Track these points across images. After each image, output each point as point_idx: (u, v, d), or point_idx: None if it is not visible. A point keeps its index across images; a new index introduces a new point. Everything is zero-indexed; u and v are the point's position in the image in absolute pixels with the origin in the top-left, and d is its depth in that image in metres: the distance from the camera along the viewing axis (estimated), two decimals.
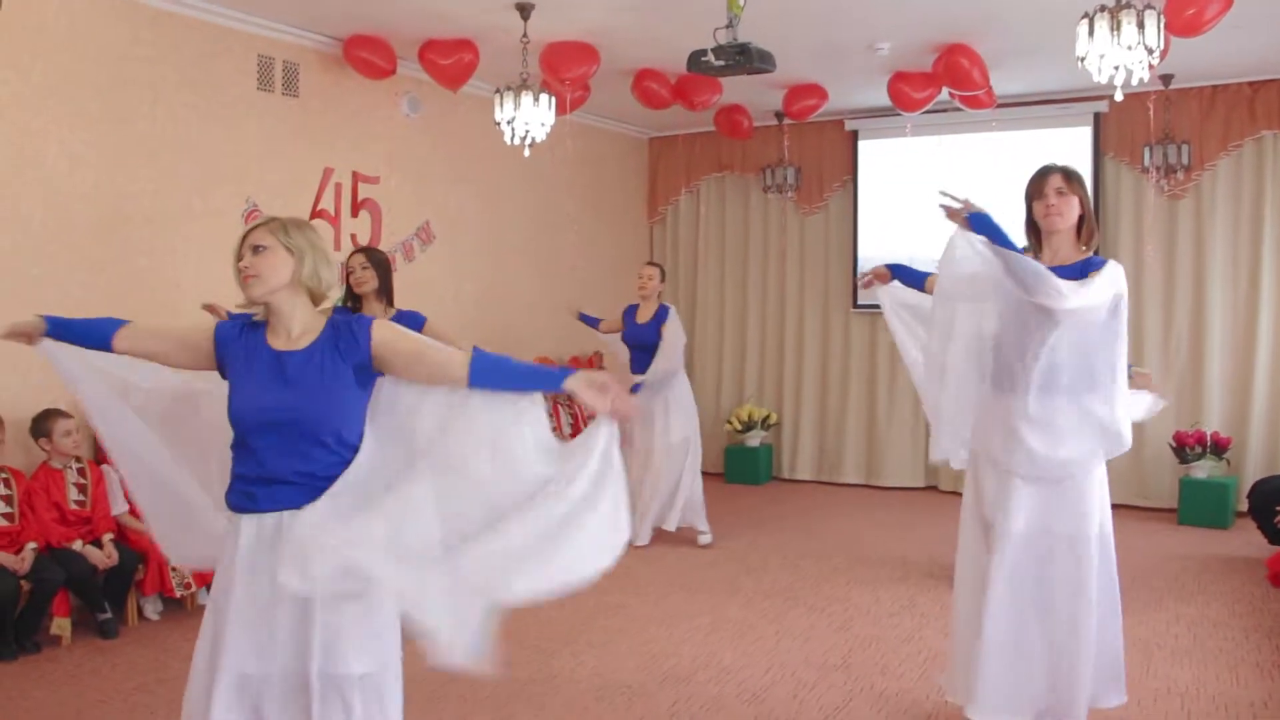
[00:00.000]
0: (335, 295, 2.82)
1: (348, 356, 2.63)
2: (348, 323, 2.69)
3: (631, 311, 7.29)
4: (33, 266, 5.42)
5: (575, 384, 2.57)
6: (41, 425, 5.30)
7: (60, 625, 5.14)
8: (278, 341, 2.70)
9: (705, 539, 7.21)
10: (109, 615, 5.29)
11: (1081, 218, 3.67)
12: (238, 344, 2.72)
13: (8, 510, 5.10)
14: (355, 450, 2.65)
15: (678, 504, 7.14)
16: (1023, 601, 3.70)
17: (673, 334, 7.12)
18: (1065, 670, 3.67)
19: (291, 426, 2.59)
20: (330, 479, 2.60)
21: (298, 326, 2.70)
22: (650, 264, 7.46)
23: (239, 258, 2.69)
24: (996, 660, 3.69)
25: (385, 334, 2.67)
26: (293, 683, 2.57)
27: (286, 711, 2.58)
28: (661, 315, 7.17)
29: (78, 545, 5.24)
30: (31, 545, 5.09)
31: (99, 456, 5.64)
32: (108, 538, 5.36)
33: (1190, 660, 4.91)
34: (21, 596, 4.97)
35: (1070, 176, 3.67)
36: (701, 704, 4.45)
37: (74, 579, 5.14)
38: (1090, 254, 3.70)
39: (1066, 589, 3.66)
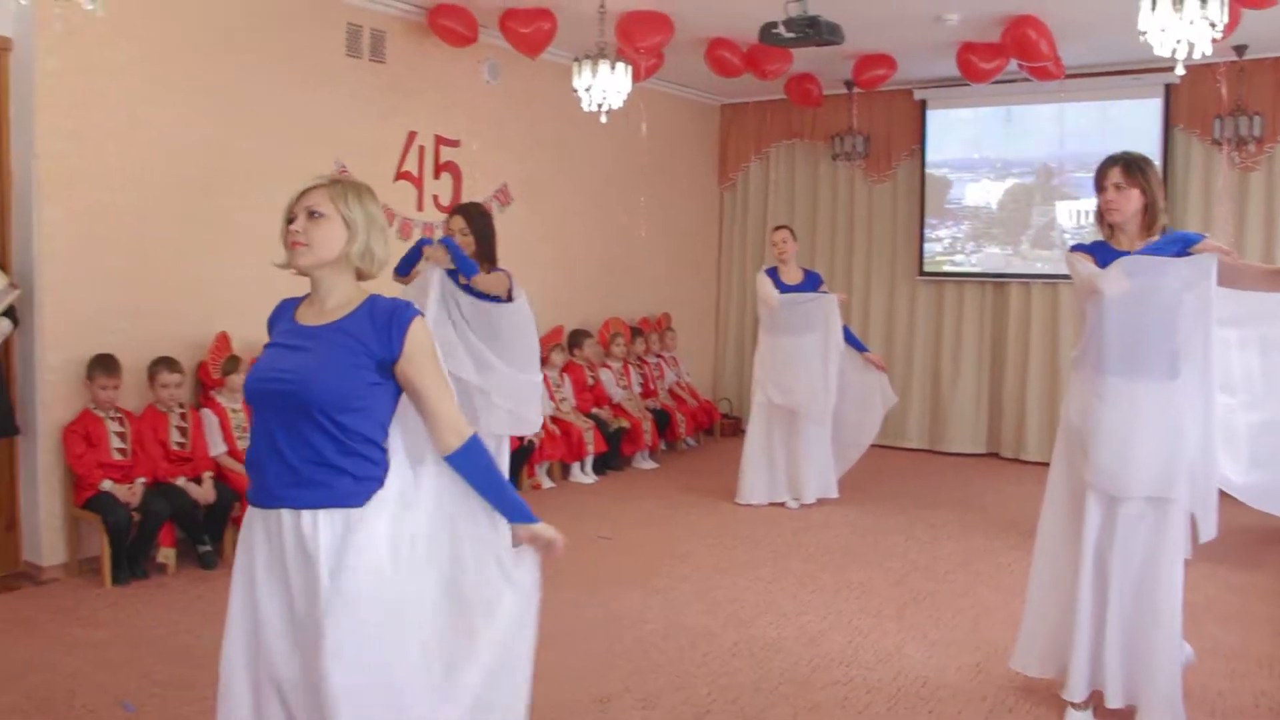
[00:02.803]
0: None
1: (376, 345, 2.44)
2: (390, 310, 2.47)
3: (773, 274, 7.34)
4: (144, 222, 5.78)
5: (526, 530, 2.58)
6: (153, 372, 5.70)
7: (166, 555, 5.56)
8: (308, 315, 2.54)
9: (793, 504, 7.39)
10: (209, 548, 5.69)
11: (1146, 207, 3.71)
12: (281, 319, 2.60)
13: (122, 447, 5.50)
14: (372, 446, 2.46)
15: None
16: (1122, 576, 3.74)
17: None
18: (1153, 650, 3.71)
19: (289, 399, 2.40)
20: (329, 471, 2.40)
21: (333, 301, 2.52)
22: (781, 228, 7.48)
23: (290, 217, 2.49)
24: (1091, 637, 3.78)
25: (421, 341, 2.47)
26: (314, 690, 2.41)
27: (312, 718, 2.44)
28: (816, 280, 7.38)
29: (181, 481, 5.63)
30: (141, 480, 5.49)
31: (199, 402, 6.03)
32: (208, 475, 5.74)
33: (1238, 624, 5.06)
34: (133, 527, 5.37)
35: (1130, 168, 3.70)
36: (762, 645, 4.72)
37: (178, 512, 5.54)
38: (1157, 234, 3.75)
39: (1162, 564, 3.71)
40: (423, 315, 2.52)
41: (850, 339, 7.46)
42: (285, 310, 2.61)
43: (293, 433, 2.41)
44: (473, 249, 5.20)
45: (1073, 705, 3.86)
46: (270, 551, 2.45)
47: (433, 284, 5.18)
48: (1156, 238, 3.73)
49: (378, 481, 2.46)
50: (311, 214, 2.47)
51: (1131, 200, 3.70)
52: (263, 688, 2.49)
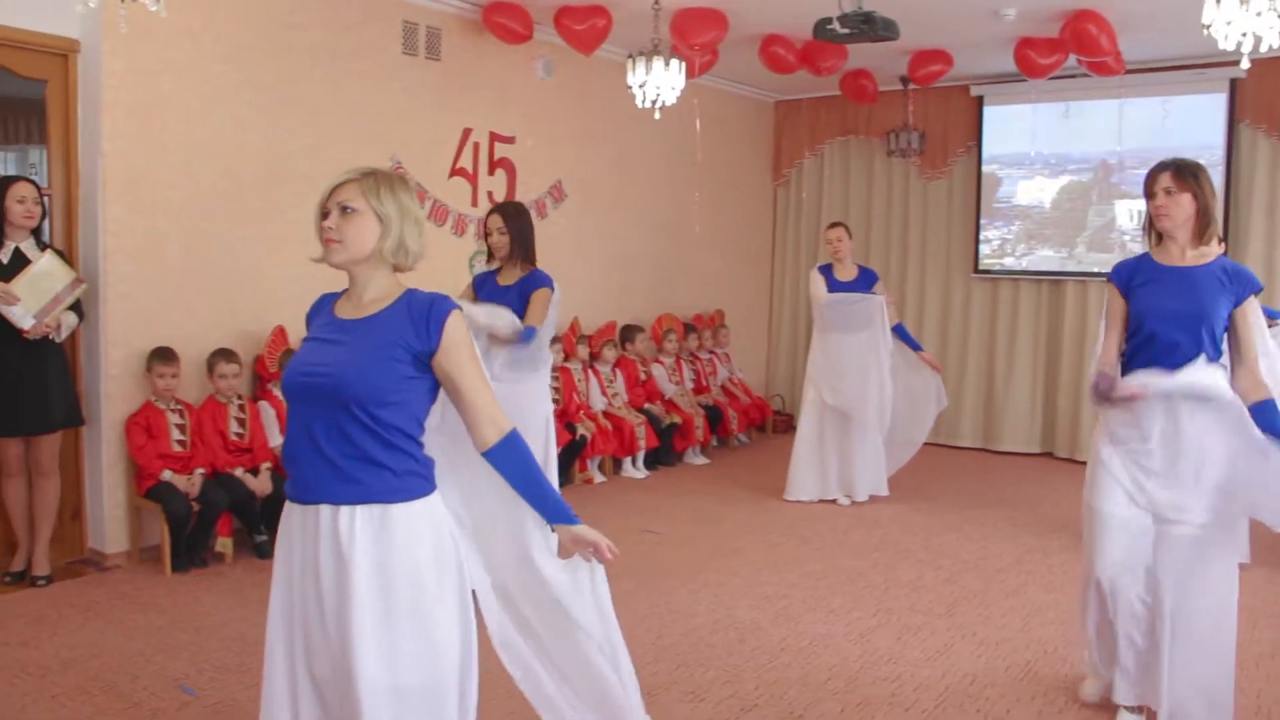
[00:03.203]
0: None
1: (413, 338, 2.42)
2: (427, 304, 2.45)
3: (828, 271, 7.33)
4: (202, 220, 5.90)
5: (565, 532, 2.53)
6: (211, 363, 5.82)
7: (224, 544, 5.68)
8: (345, 309, 2.53)
9: (845, 501, 7.38)
10: (265, 537, 5.79)
11: (1198, 213, 3.61)
12: (319, 314, 2.61)
13: (182, 438, 5.63)
14: (410, 441, 2.44)
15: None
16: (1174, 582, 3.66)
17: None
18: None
19: (326, 392, 2.39)
20: (365, 466, 2.39)
21: (370, 295, 2.51)
22: (835, 225, 7.43)
23: (323, 213, 2.48)
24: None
25: (458, 335, 2.44)
26: (345, 688, 2.40)
27: (346, 716, 2.43)
28: (871, 277, 7.34)
29: (239, 472, 5.74)
30: (200, 470, 5.61)
31: (257, 395, 6.15)
32: (265, 467, 5.86)
33: None
34: (192, 516, 5.50)
35: (1182, 173, 3.61)
36: (810, 640, 4.73)
37: (236, 502, 5.65)
38: (1214, 253, 3.70)
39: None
40: (460, 308, 2.49)
41: (904, 337, 7.41)
42: (324, 305, 2.60)
43: (330, 426, 2.39)
44: (508, 249, 5.07)
45: (1125, 708, 3.83)
46: (305, 546, 2.45)
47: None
48: (1210, 251, 3.68)
49: (420, 478, 2.46)
50: (344, 209, 2.45)
51: (1183, 206, 3.61)
52: (299, 680, 2.50)
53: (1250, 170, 8.46)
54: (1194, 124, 8.50)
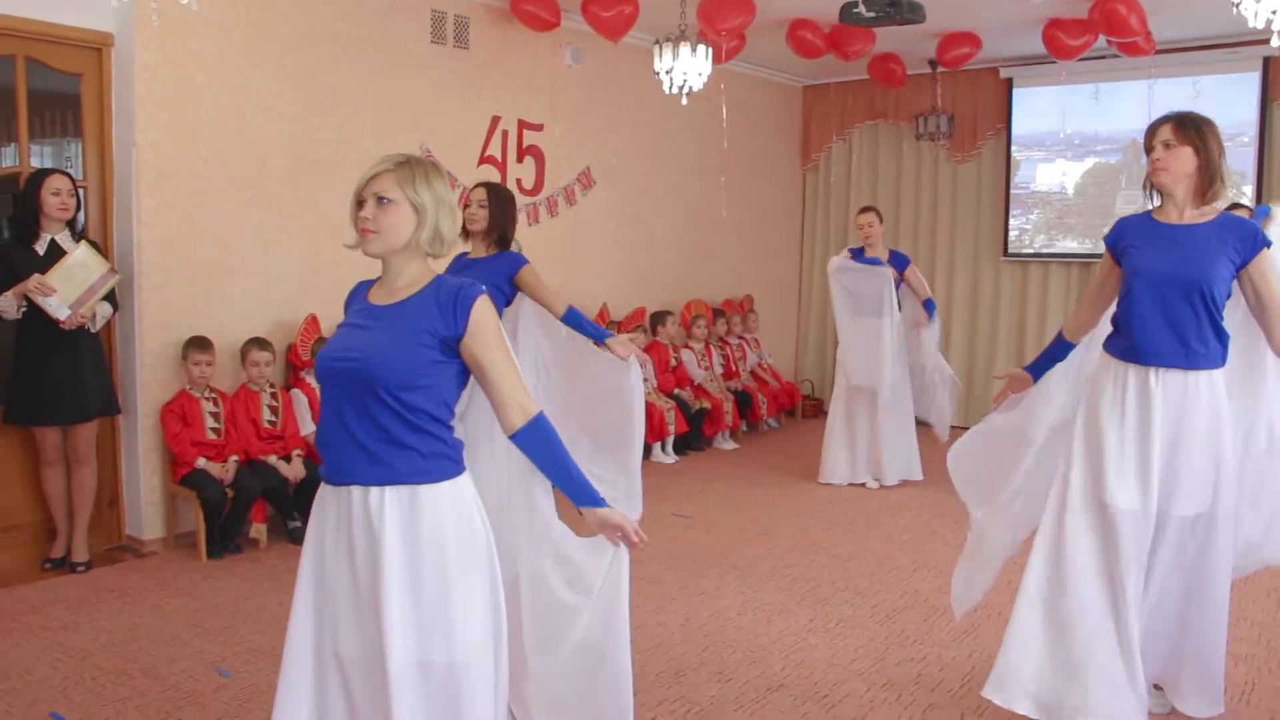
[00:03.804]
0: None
1: (440, 323, 2.45)
2: (455, 290, 2.48)
3: (858, 253, 7.37)
4: (232, 208, 5.98)
5: (593, 515, 2.55)
6: (244, 351, 5.90)
7: (258, 530, 5.77)
8: (379, 295, 2.57)
9: (873, 485, 7.41)
10: (298, 523, 5.87)
11: (1200, 169, 3.33)
12: (355, 300, 2.64)
13: (216, 426, 5.71)
14: (439, 424, 2.47)
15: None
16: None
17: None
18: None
19: (355, 375, 2.42)
20: (394, 449, 2.42)
21: (402, 281, 2.54)
22: (867, 209, 7.42)
23: (359, 203, 2.50)
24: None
25: (485, 319, 2.47)
26: (374, 667, 2.44)
27: (373, 696, 2.47)
28: (901, 261, 7.39)
29: (272, 459, 5.83)
30: (234, 457, 5.69)
31: (289, 383, 6.23)
32: (297, 454, 5.93)
33: None
34: (226, 503, 5.58)
35: (1184, 125, 3.35)
36: (837, 621, 4.76)
37: (269, 489, 5.74)
38: (1213, 211, 3.40)
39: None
40: (486, 293, 2.51)
41: (928, 308, 7.45)
42: (359, 291, 2.64)
43: (360, 410, 2.43)
44: (485, 224, 4.77)
45: (1154, 684, 3.80)
46: (339, 527, 2.49)
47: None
48: (1210, 212, 3.39)
49: (449, 460, 2.48)
50: (380, 200, 2.46)
51: (1182, 160, 3.33)
52: (325, 661, 2.54)
53: None
54: (1226, 104, 8.40)
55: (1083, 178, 9.22)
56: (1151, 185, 3.48)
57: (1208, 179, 3.34)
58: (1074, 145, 9.22)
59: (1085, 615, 3.42)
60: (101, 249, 5.40)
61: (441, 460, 2.48)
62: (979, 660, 4.31)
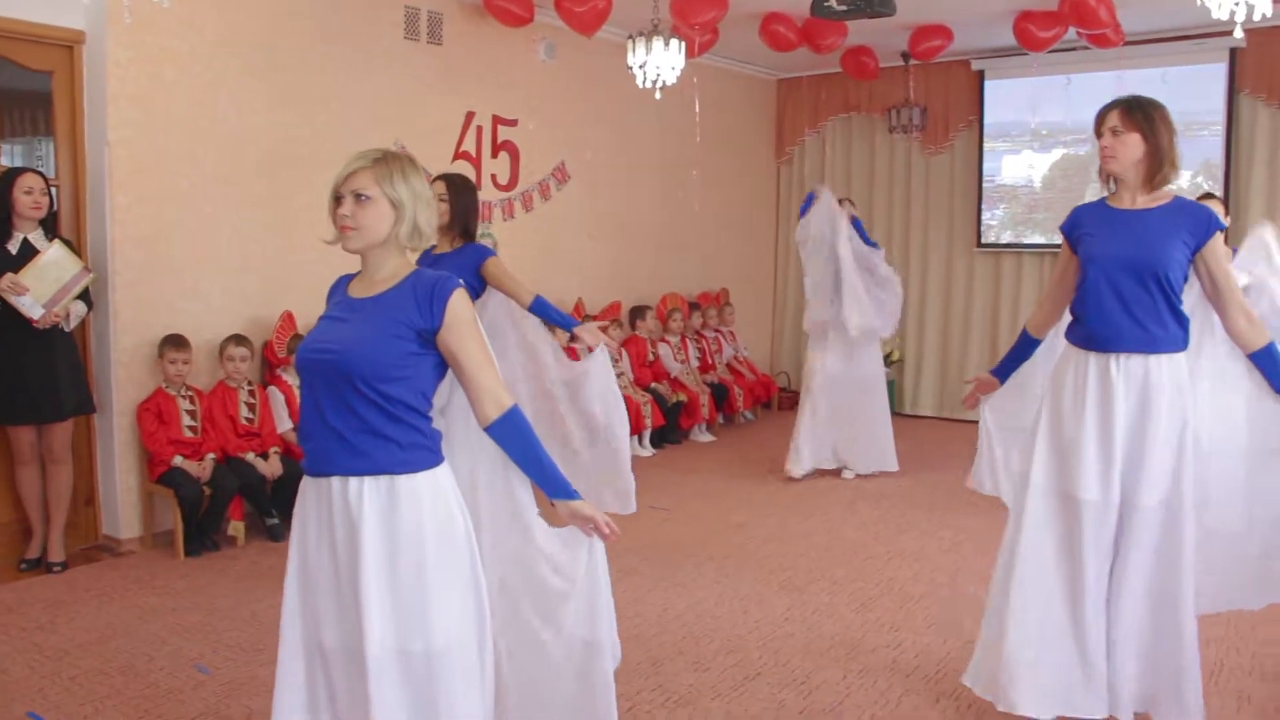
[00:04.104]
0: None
1: (417, 316, 2.48)
2: (431, 283, 2.51)
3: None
4: (206, 205, 5.97)
5: (565, 507, 2.61)
6: (222, 347, 5.90)
7: (235, 528, 5.76)
8: (358, 289, 2.60)
9: (848, 474, 7.43)
10: (276, 520, 5.88)
11: (1147, 155, 3.31)
12: (335, 293, 2.68)
13: (193, 424, 5.70)
14: (416, 415, 2.50)
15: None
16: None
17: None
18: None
19: (334, 368, 2.46)
20: (372, 439, 2.45)
21: (381, 275, 2.57)
22: (840, 201, 7.43)
23: (337, 199, 2.53)
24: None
25: (461, 312, 2.51)
26: (355, 656, 2.47)
27: (352, 685, 2.51)
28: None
29: (250, 457, 5.82)
30: (211, 455, 5.69)
31: (266, 380, 6.22)
32: (274, 451, 5.93)
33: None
34: (203, 501, 5.58)
35: (1130, 111, 3.31)
36: (813, 610, 4.80)
37: (247, 486, 5.73)
38: (1166, 195, 3.38)
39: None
40: (463, 286, 2.54)
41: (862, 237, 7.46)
42: (340, 285, 2.68)
43: (338, 402, 2.46)
44: (447, 218, 4.65)
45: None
46: (320, 517, 2.52)
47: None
48: (1163, 197, 3.37)
49: (427, 450, 2.51)
50: (359, 197, 2.50)
51: (1129, 146, 3.30)
52: (312, 653, 2.57)
53: (1250, 139, 8.47)
54: (1194, 94, 8.51)
55: (1051, 169, 9.30)
56: (1104, 173, 3.45)
57: (1156, 164, 3.32)
58: (1043, 137, 9.30)
59: (1044, 605, 3.44)
60: (75, 247, 5.38)
61: (420, 451, 2.50)
62: (954, 647, 4.36)
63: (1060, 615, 3.44)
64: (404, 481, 2.47)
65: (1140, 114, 3.31)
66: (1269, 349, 3.32)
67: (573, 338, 4.61)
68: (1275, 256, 4.24)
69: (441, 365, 2.56)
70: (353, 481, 2.47)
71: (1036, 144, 9.35)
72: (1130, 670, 3.42)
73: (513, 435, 2.58)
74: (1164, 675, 3.38)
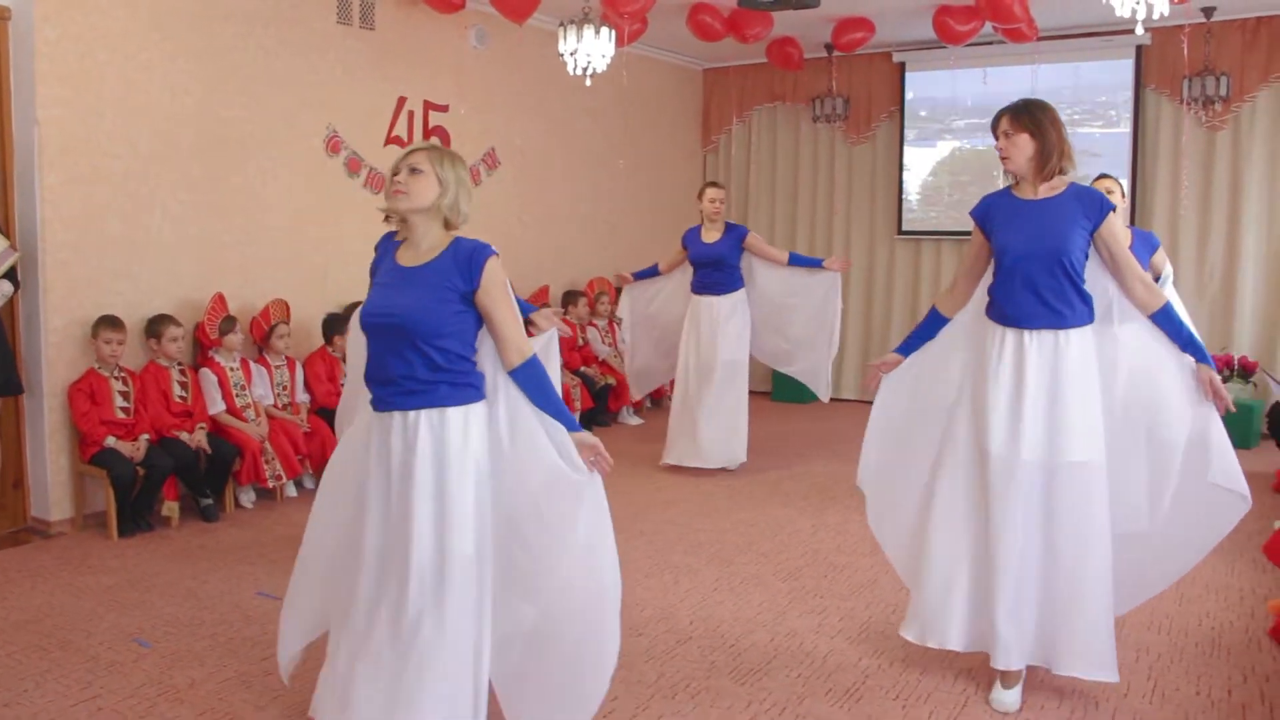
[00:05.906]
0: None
1: (460, 280, 3.00)
2: (470, 251, 3.03)
3: (695, 234, 7.25)
4: (140, 186, 5.96)
5: (574, 438, 3.07)
6: (154, 328, 5.90)
7: (169, 508, 5.77)
8: (405, 257, 3.10)
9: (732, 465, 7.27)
10: (210, 501, 5.91)
11: (1038, 152, 3.61)
12: (384, 258, 3.16)
13: (125, 405, 5.70)
14: (464, 361, 3.03)
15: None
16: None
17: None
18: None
19: (395, 330, 2.99)
20: (428, 383, 2.99)
21: (426, 244, 3.08)
22: (716, 185, 7.26)
23: (395, 172, 3.07)
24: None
25: (495, 277, 3.03)
26: (403, 557, 2.98)
27: (384, 579, 3.04)
28: (740, 232, 7.16)
29: (184, 436, 5.84)
30: (145, 436, 5.70)
31: (198, 362, 6.23)
32: (200, 428, 5.94)
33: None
34: (137, 481, 5.59)
35: (1018, 115, 3.64)
36: (742, 579, 4.97)
37: (181, 466, 5.75)
38: (1062, 184, 3.66)
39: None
40: (498, 254, 3.07)
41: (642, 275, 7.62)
42: (388, 250, 3.17)
43: (399, 356, 3.01)
44: None
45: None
46: (380, 445, 3.08)
47: None
48: (1059, 185, 3.65)
49: (474, 389, 3.07)
50: (413, 170, 3.04)
51: (1021, 147, 3.62)
52: (342, 556, 3.17)
53: (1155, 132, 8.82)
54: (1103, 88, 8.85)
55: (969, 158, 9.58)
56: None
57: (1046, 158, 3.61)
58: (961, 128, 9.58)
59: (954, 551, 3.76)
60: (1, 227, 5.35)
61: (467, 389, 3.06)
62: (876, 610, 4.56)
63: (971, 563, 3.74)
64: (453, 412, 3.02)
65: (1027, 116, 3.63)
66: (1165, 309, 3.63)
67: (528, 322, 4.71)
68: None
69: (480, 319, 3.09)
70: (410, 415, 3.02)
71: (954, 134, 9.63)
72: (1037, 619, 3.67)
73: (532, 378, 3.09)
74: (1076, 627, 3.61)
